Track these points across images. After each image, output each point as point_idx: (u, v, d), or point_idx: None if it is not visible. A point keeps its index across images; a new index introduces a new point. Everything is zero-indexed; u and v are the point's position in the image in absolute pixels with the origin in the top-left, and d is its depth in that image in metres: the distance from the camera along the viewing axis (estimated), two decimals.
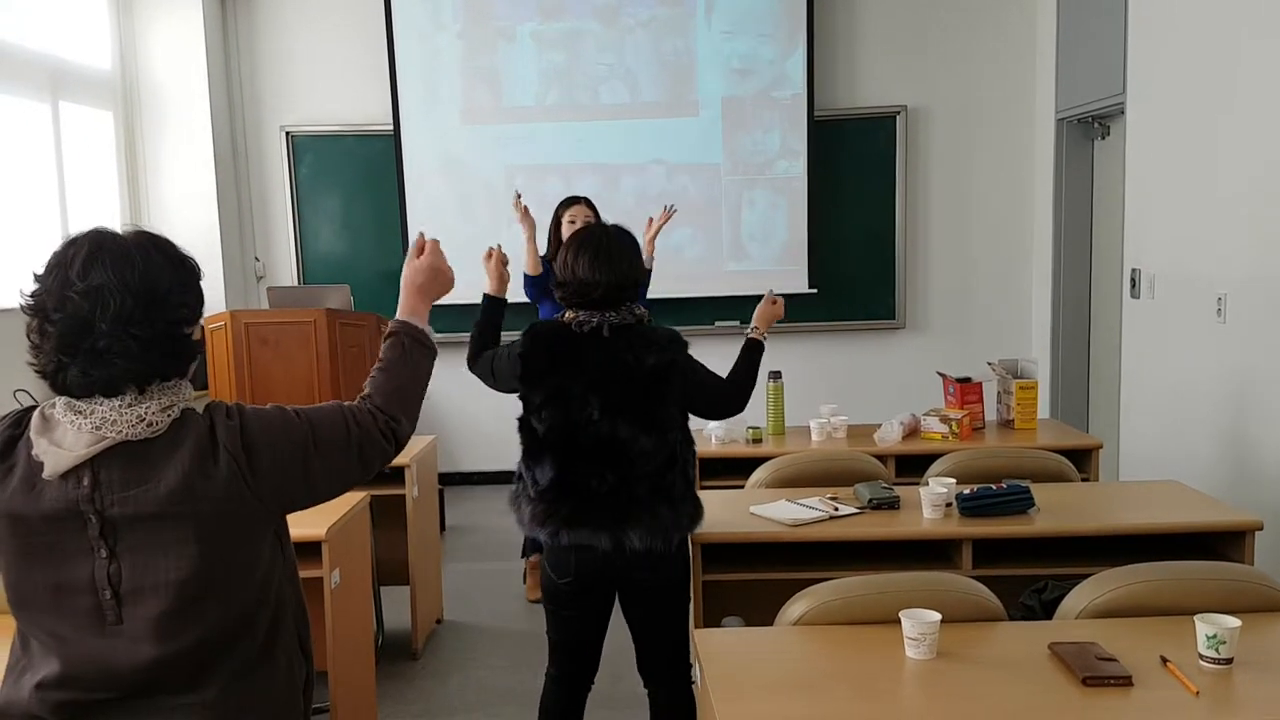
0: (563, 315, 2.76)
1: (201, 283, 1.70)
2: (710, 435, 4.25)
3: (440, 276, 1.98)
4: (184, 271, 1.66)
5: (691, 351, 2.86)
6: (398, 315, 1.94)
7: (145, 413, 1.59)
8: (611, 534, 2.64)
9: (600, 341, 2.68)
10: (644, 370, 2.66)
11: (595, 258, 2.69)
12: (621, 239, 2.77)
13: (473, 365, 2.91)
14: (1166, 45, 4.92)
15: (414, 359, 1.89)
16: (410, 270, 1.97)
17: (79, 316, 1.55)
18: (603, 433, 2.63)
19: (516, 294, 5.94)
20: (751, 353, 2.94)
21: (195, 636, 1.62)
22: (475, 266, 7.02)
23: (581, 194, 4.64)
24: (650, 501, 2.66)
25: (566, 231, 4.35)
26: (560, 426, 2.66)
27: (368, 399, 1.81)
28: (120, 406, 1.58)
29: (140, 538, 1.58)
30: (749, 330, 3.03)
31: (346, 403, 1.79)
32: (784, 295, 3.29)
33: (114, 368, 1.57)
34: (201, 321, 1.72)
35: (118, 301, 1.56)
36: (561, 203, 4.57)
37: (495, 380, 2.85)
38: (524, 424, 2.73)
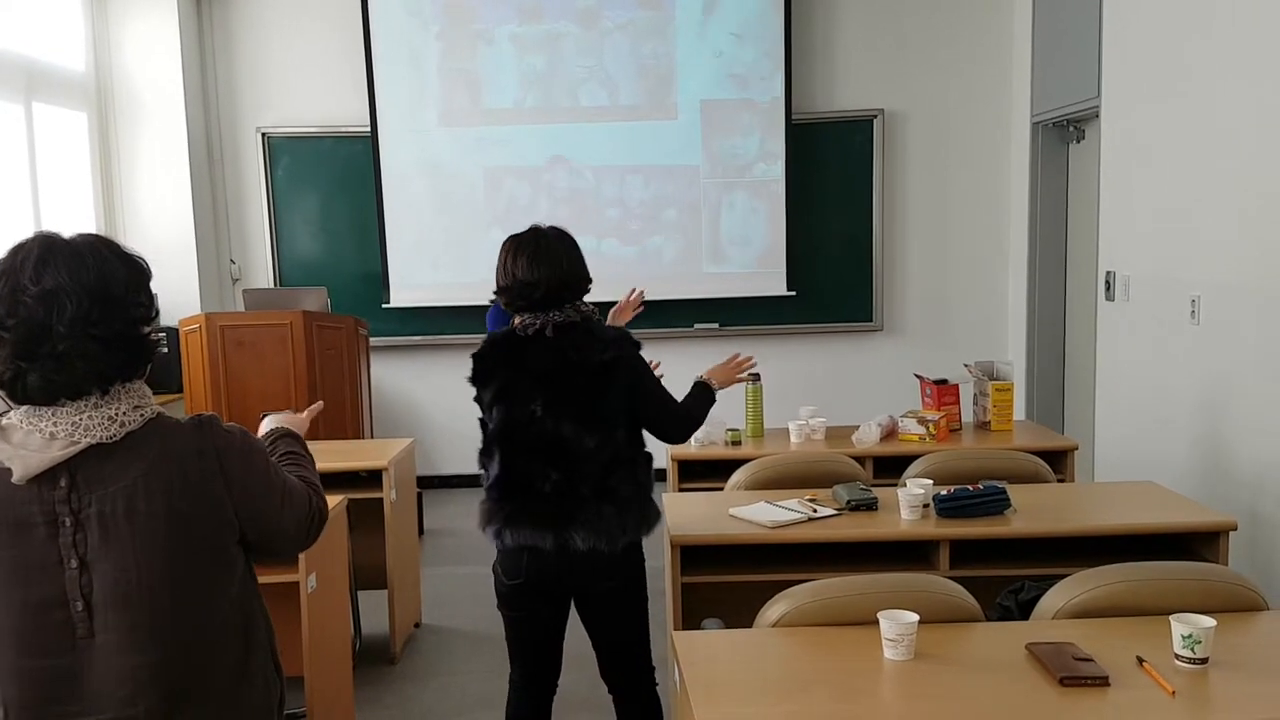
0: (512, 322, 2.76)
1: (151, 283, 1.69)
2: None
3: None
4: (136, 270, 1.64)
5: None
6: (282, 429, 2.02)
7: (116, 413, 1.57)
8: (555, 534, 2.61)
9: (544, 341, 2.67)
10: (589, 367, 2.65)
11: (533, 258, 2.68)
12: (559, 239, 2.76)
13: None
14: (1141, 49, 4.96)
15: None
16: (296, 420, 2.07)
17: (34, 321, 1.52)
18: (546, 430, 2.62)
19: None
20: (704, 396, 2.95)
21: (169, 652, 1.59)
22: (451, 268, 6.97)
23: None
24: (594, 501, 2.63)
25: None
26: (505, 423, 2.67)
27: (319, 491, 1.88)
28: (88, 409, 1.56)
29: (113, 541, 1.55)
30: (706, 378, 3.00)
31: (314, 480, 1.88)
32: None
33: (76, 371, 1.54)
34: (158, 321, 1.71)
35: (74, 303, 1.53)
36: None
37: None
38: (482, 422, 2.76)
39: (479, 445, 2.76)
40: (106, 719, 1.58)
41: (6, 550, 1.55)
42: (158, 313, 1.70)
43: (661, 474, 4.03)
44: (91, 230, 1.67)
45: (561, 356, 2.65)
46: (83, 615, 1.55)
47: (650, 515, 2.74)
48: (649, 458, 2.79)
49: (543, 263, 2.68)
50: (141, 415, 1.60)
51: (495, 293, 2.77)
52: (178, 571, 1.59)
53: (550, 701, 2.86)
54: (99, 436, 1.55)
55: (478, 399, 2.75)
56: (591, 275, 2.81)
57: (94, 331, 1.55)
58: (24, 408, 1.57)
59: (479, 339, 2.83)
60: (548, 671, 2.83)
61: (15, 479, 1.53)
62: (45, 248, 1.57)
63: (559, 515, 2.62)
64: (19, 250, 1.58)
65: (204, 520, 1.62)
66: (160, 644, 1.58)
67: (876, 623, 2.12)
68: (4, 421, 1.57)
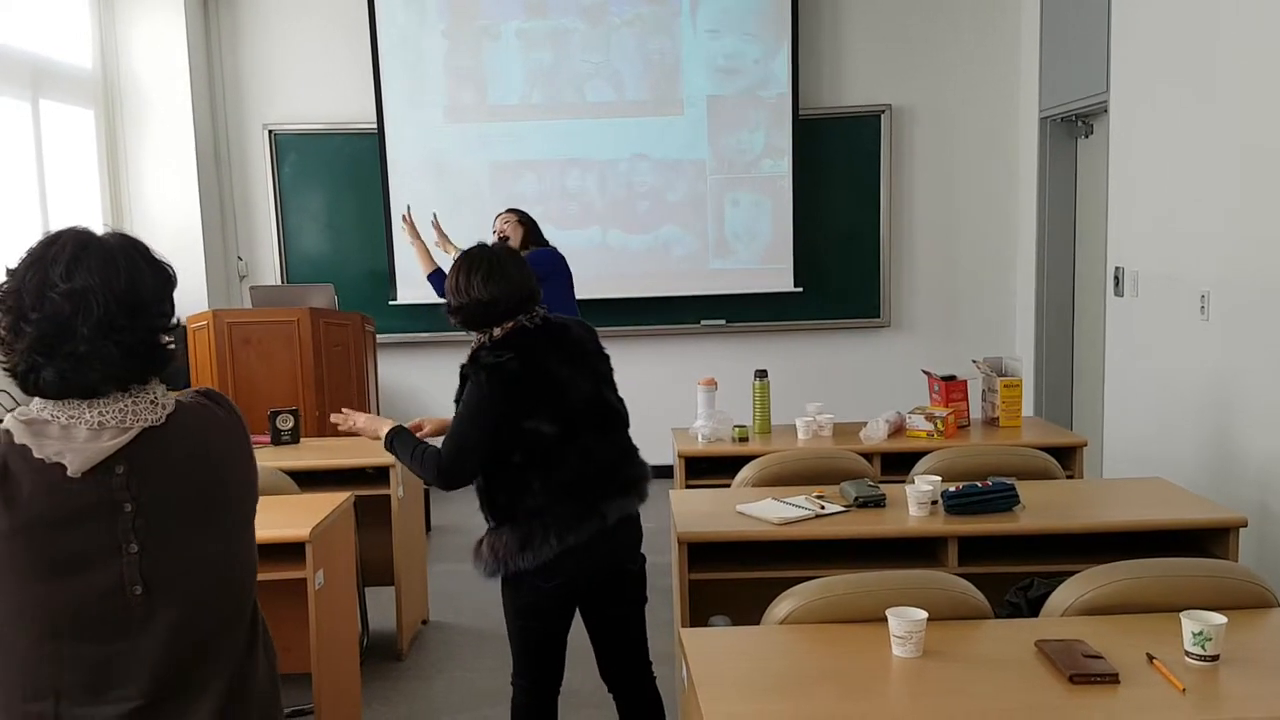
0: (491, 334, 2.67)
1: (174, 292, 1.70)
2: (697, 434, 4.25)
3: None
4: (163, 278, 1.65)
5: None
6: None
7: (157, 397, 1.61)
8: (638, 495, 2.75)
9: (553, 327, 2.72)
10: (594, 347, 2.78)
11: (488, 276, 2.65)
12: (509, 255, 2.77)
13: (457, 473, 2.73)
14: (1150, 43, 4.93)
15: None
16: None
17: (59, 318, 1.52)
18: (602, 402, 2.72)
19: None
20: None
21: (217, 628, 1.63)
22: None
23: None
24: (642, 463, 2.81)
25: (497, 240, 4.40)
26: (571, 415, 2.63)
27: None
28: (128, 396, 1.58)
29: (172, 522, 1.58)
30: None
31: None
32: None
33: (94, 374, 1.54)
34: (182, 321, 1.72)
35: (101, 306, 1.53)
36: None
37: (489, 432, 2.64)
38: (522, 439, 2.60)
39: (516, 476, 2.63)
40: (156, 698, 1.59)
41: (63, 542, 1.54)
42: (177, 322, 1.71)
43: (668, 470, 4.05)
44: (100, 227, 1.67)
45: (574, 337, 2.73)
46: (141, 599, 1.56)
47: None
48: None
49: (498, 280, 2.65)
50: (171, 399, 1.64)
51: (447, 311, 2.73)
52: (228, 548, 1.64)
53: (557, 698, 2.87)
54: (149, 420, 1.58)
55: (515, 415, 2.60)
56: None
57: (116, 337, 1.55)
58: (44, 400, 1.57)
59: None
60: (559, 672, 2.83)
61: (71, 472, 1.53)
62: (79, 245, 1.57)
63: (635, 477, 2.75)
64: (53, 243, 1.57)
65: (242, 495, 1.69)
66: (210, 621, 1.62)
67: (885, 620, 2.11)
68: (27, 416, 1.56)
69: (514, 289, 2.67)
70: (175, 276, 1.68)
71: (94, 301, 1.53)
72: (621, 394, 2.82)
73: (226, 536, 1.65)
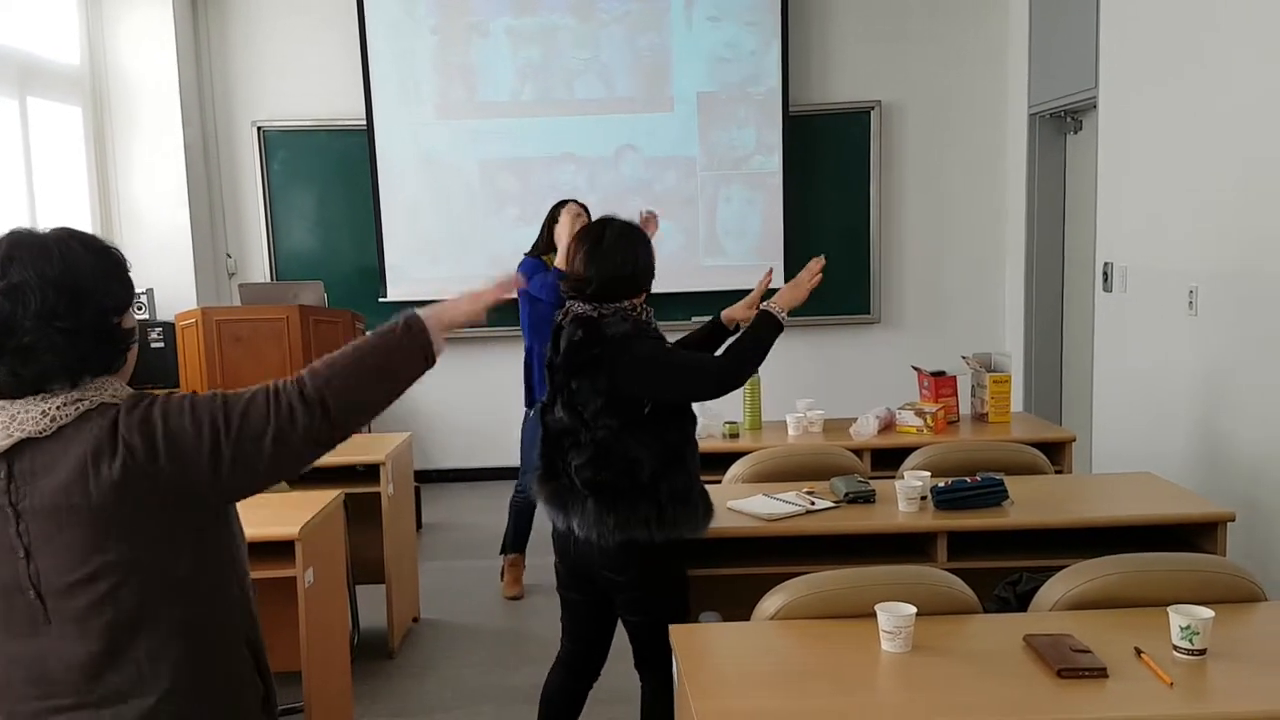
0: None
1: (130, 272, 1.67)
2: None
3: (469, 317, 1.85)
4: (106, 260, 1.63)
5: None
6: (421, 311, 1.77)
7: (49, 408, 1.57)
8: (563, 516, 2.72)
9: (561, 330, 2.78)
10: (588, 359, 2.65)
11: (589, 253, 2.76)
12: (622, 235, 2.83)
13: None
14: (1138, 39, 4.95)
15: (393, 354, 1.78)
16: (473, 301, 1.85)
17: (1, 316, 1.53)
18: (553, 417, 2.74)
19: None
20: (763, 330, 3.01)
21: (117, 642, 1.58)
22: (448, 262, 6.96)
23: (565, 190, 4.77)
24: (582, 492, 2.65)
25: (559, 230, 4.67)
26: (540, 408, 2.85)
27: (300, 382, 1.70)
28: (27, 404, 1.56)
29: (49, 533, 1.56)
30: (768, 305, 3.01)
31: (278, 383, 1.67)
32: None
33: (44, 363, 1.55)
34: (131, 310, 1.69)
35: (39, 297, 1.54)
36: (556, 204, 4.73)
37: None
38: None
39: None
40: (68, 703, 1.59)
41: None
42: (136, 301, 1.68)
43: None
44: (89, 224, 1.66)
45: (571, 346, 2.71)
46: (36, 604, 1.57)
47: (654, 515, 2.63)
48: (672, 456, 2.69)
49: (595, 260, 2.76)
50: (76, 409, 1.58)
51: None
52: (111, 561, 1.57)
53: (587, 689, 2.89)
54: (29, 430, 1.56)
55: None
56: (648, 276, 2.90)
57: (59, 324, 1.55)
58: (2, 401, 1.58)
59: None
60: (587, 656, 2.87)
61: None
62: (12, 244, 1.58)
63: (564, 501, 2.71)
64: None
65: (126, 508, 1.57)
66: (107, 634, 1.58)
67: (874, 615, 2.12)
68: None
69: (603, 271, 2.76)
70: (121, 257, 1.66)
71: (30, 294, 1.53)
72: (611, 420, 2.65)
73: (130, 552, 1.58)
